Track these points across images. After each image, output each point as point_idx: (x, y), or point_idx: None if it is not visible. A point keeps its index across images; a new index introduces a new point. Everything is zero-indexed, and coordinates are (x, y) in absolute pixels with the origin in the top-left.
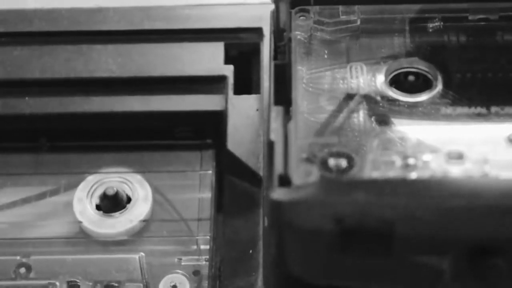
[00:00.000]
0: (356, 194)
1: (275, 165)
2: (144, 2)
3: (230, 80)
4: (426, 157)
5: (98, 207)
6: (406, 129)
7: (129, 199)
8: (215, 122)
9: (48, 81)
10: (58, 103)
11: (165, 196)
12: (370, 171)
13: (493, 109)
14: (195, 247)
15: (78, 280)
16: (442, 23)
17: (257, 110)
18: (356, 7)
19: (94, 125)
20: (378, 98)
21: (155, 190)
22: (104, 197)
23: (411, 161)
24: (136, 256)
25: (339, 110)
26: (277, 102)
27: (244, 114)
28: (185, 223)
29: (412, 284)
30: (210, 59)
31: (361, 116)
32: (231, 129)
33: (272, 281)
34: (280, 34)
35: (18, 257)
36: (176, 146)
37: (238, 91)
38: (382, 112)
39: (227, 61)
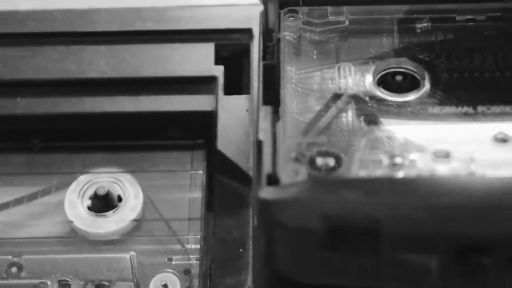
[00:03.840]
0: (344, 193)
1: (263, 165)
2: (135, 3)
3: (220, 81)
4: (413, 156)
5: (89, 207)
6: (394, 128)
7: (120, 199)
8: (206, 122)
9: (40, 82)
10: (50, 103)
11: (154, 196)
12: (358, 170)
13: (480, 108)
14: (185, 246)
15: (69, 279)
16: (430, 23)
17: (247, 110)
18: (344, 8)
19: (85, 125)
20: (367, 98)
21: (146, 190)
22: (95, 197)
23: (398, 160)
24: (127, 256)
25: (326, 109)
26: (266, 102)
27: (234, 115)
28: (171, 223)
29: (400, 282)
30: (200, 59)
31: (349, 116)
32: (221, 129)
33: (262, 280)
34: (269, 34)
35: (9, 257)
36: (167, 146)
37: (228, 91)
38: (370, 112)
39: (218, 61)
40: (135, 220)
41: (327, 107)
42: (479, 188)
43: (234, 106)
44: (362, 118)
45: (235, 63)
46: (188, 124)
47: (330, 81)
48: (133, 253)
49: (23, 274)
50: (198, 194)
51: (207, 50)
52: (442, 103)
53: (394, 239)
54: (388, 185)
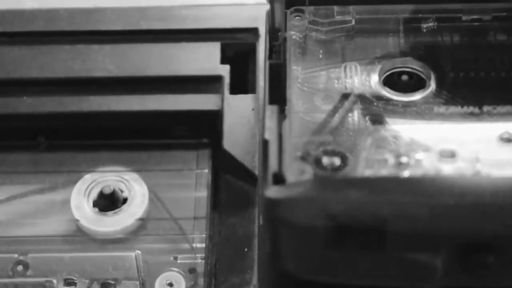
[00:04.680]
0: (349, 192)
1: (269, 164)
2: (141, 3)
3: (226, 80)
4: (419, 155)
5: (95, 206)
6: (400, 128)
7: (125, 198)
8: (211, 121)
9: (46, 81)
10: (56, 102)
11: (157, 195)
12: (363, 169)
13: (485, 108)
14: (191, 245)
15: (75, 278)
16: (436, 23)
17: (253, 109)
18: (351, 7)
19: (91, 124)
20: (372, 97)
21: (151, 188)
22: (101, 195)
23: (404, 159)
24: (133, 254)
25: (334, 109)
26: (272, 101)
27: (240, 114)
28: (176, 222)
29: (404, 279)
30: (206, 59)
31: (355, 116)
32: (227, 128)
33: (267, 278)
34: (275, 34)
35: (15, 255)
36: (172, 145)
37: (234, 90)
38: (376, 111)
39: (224, 61)
40: (140, 219)
41: (333, 106)
42: (484, 187)
43: (240, 105)
44: (368, 117)
45: (241, 62)
46: (194, 123)
47: (336, 81)
48: (139, 251)
49: (29, 272)
50: (203, 193)
51: (213, 49)
52: (447, 102)
53: (399, 237)
54: (394, 184)
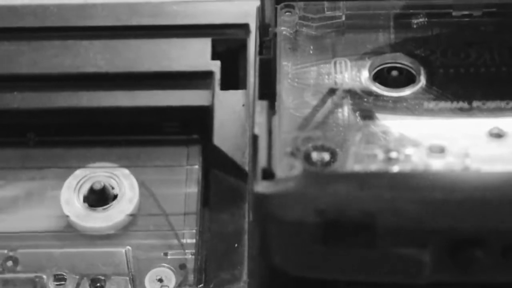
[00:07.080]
0: (339, 187)
1: (259, 159)
2: None
3: (217, 76)
4: (408, 150)
5: (85, 201)
6: (389, 123)
7: (116, 194)
8: (202, 117)
9: (36, 76)
10: (46, 98)
11: (150, 191)
12: (353, 165)
13: (475, 103)
14: (181, 241)
15: (65, 274)
16: (426, 19)
17: (243, 105)
18: (341, 3)
19: (82, 120)
20: (362, 93)
21: (142, 184)
22: (91, 191)
23: (393, 154)
24: (123, 250)
25: (321, 104)
26: (262, 96)
27: (230, 109)
28: (167, 218)
29: (394, 275)
30: (197, 54)
31: (345, 111)
32: (217, 124)
33: (257, 274)
34: (265, 29)
35: (5, 251)
36: (163, 141)
37: (224, 86)
38: (366, 107)
39: (214, 56)
40: (131, 215)
41: (322, 102)
42: (473, 183)
43: (230, 101)
44: (357, 113)
45: (232, 58)
46: (184, 119)
47: (326, 76)
48: (129, 247)
49: (18, 268)
50: (194, 189)
51: (204, 45)
52: (437, 98)
53: (388, 233)
54: (383, 179)
